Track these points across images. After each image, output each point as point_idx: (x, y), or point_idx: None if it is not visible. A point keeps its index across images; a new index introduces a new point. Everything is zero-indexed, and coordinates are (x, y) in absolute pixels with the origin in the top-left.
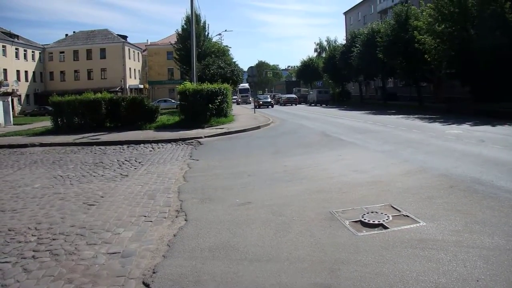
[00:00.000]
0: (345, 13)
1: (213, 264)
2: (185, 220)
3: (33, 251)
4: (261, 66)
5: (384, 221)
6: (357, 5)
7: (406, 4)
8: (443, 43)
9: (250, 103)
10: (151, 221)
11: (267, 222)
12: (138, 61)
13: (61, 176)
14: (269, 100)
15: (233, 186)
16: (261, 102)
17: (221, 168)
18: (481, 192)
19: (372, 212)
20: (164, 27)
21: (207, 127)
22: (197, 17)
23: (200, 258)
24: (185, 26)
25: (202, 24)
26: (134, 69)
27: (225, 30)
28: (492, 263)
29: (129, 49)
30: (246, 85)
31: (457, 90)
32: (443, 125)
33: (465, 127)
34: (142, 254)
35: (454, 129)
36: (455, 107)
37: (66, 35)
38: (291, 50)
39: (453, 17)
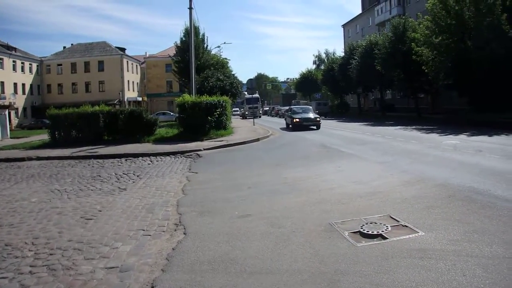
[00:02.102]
0: (343, 26)
1: (212, 277)
2: (184, 233)
3: (30, 266)
4: (260, 79)
5: (383, 231)
6: (355, 17)
7: (403, 17)
8: (440, 54)
9: (260, 116)
10: (149, 235)
11: (266, 234)
12: (137, 73)
13: (59, 190)
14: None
15: (232, 199)
16: (246, 113)
17: (220, 181)
18: (479, 202)
19: (371, 223)
20: (163, 39)
21: (206, 139)
22: (196, 29)
23: (199, 272)
24: (184, 38)
25: (201, 37)
26: (133, 82)
27: (224, 43)
28: (491, 271)
29: (127, 61)
30: (255, 95)
31: (454, 101)
32: (441, 135)
33: (463, 138)
34: (141, 268)
35: (452, 140)
36: (452, 118)
37: (64, 47)
38: (291, 63)
39: (450, 29)
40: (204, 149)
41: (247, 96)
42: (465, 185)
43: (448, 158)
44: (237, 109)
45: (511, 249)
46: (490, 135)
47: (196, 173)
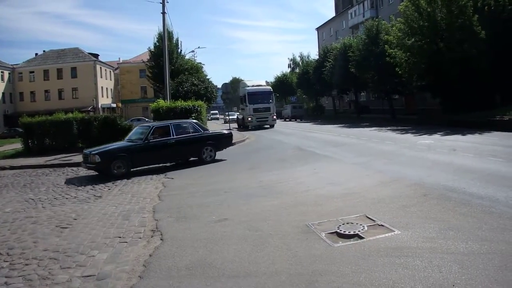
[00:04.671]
0: (317, 29)
1: (190, 282)
2: (161, 239)
3: (6, 277)
4: (236, 83)
5: (359, 231)
6: (329, 20)
7: (376, 19)
8: (413, 56)
9: (273, 124)
10: (126, 242)
11: (244, 238)
12: (110, 79)
13: (33, 199)
14: (235, 116)
15: (209, 204)
16: (229, 119)
17: (197, 186)
18: (454, 199)
19: (347, 223)
20: (136, 45)
21: None
22: (170, 34)
23: (177, 277)
24: (157, 43)
25: (174, 41)
26: (106, 88)
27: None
28: (467, 267)
29: (100, 67)
30: (264, 86)
31: (428, 101)
32: (415, 135)
33: (437, 137)
34: (118, 276)
35: (426, 139)
36: (426, 118)
37: (36, 54)
38: (266, 66)
39: (422, 30)
40: None
41: (250, 88)
42: (439, 183)
43: (422, 157)
44: (234, 113)
45: (486, 245)
46: (463, 134)
47: (172, 178)
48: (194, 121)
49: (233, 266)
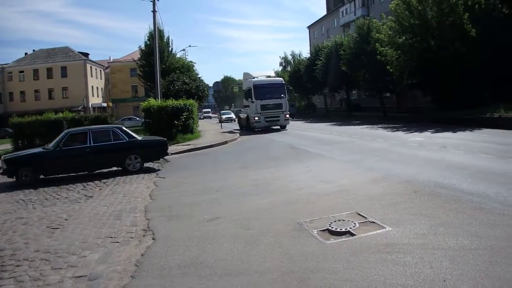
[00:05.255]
0: (309, 27)
1: (182, 281)
2: (153, 239)
3: None
4: (227, 81)
5: (351, 228)
6: (320, 19)
7: (368, 18)
8: (404, 54)
9: (285, 125)
10: (118, 242)
11: (236, 236)
12: (101, 78)
13: (23, 200)
14: (231, 115)
15: (201, 202)
16: (224, 118)
17: (188, 185)
18: (444, 196)
19: (339, 220)
20: (127, 43)
21: (173, 144)
22: (161, 33)
23: (169, 276)
24: (148, 42)
25: (165, 40)
26: (97, 87)
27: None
28: (458, 263)
29: (91, 66)
30: (273, 77)
31: (419, 99)
32: (406, 133)
33: (427, 135)
34: (110, 276)
35: (417, 137)
36: (417, 116)
37: (26, 53)
38: (257, 65)
39: (413, 29)
40: (172, 154)
41: (258, 80)
42: (430, 180)
43: (413, 155)
44: (230, 111)
45: (477, 241)
46: (454, 132)
47: (164, 178)
48: (118, 126)
49: (225, 265)
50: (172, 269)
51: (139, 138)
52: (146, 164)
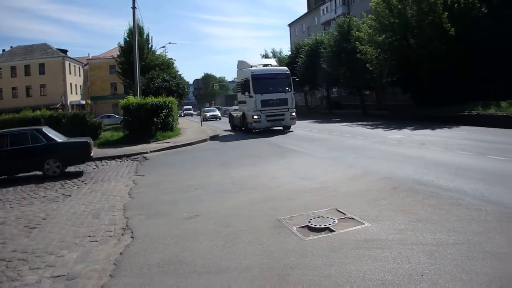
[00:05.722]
0: (290, 25)
1: (161, 280)
2: (132, 237)
3: None
4: (208, 79)
5: (330, 224)
6: (301, 17)
7: (348, 16)
8: (384, 52)
9: (289, 126)
10: (96, 241)
11: (215, 234)
12: (80, 76)
13: (0, 199)
14: (216, 113)
15: (180, 200)
16: (208, 116)
17: (168, 183)
18: (423, 192)
19: (318, 217)
20: (106, 40)
21: (152, 141)
22: (140, 30)
23: (148, 275)
24: (127, 39)
25: (145, 37)
26: (76, 85)
27: (169, 43)
28: (436, 257)
29: (69, 63)
30: (280, 68)
31: (398, 97)
32: (385, 130)
33: (406, 132)
34: (88, 275)
35: (396, 134)
36: (396, 114)
37: (3, 50)
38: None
39: (393, 27)
40: (151, 152)
41: (257, 70)
42: (409, 177)
43: (393, 152)
44: (214, 109)
45: (454, 236)
46: (432, 129)
47: (143, 176)
48: (38, 128)
49: (204, 262)
50: (151, 267)
51: (60, 140)
52: (125, 165)
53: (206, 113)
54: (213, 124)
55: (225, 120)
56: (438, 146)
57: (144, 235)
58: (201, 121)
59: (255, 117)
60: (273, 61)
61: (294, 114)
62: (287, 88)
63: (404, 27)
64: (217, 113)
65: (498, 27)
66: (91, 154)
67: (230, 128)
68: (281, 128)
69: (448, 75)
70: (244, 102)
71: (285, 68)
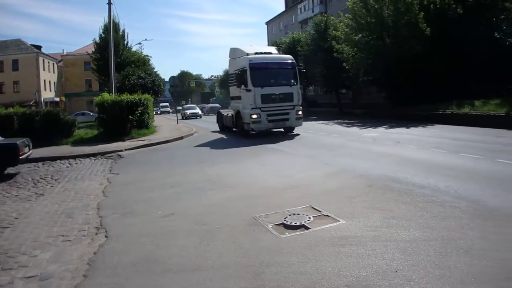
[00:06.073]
0: (267, 23)
1: (136, 279)
2: (106, 236)
3: None
4: (184, 76)
5: (305, 222)
6: (278, 15)
7: (325, 15)
8: (360, 51)
9: (293, 127)
10: (70, 241)
11: (191, 232)
12: (54, 72)
13: None
14: (197, 110)
15: (155, 199)
16: (188, 113)
17: (143, 181)
18: (397, 189)
19: (294, 214)
20: (81, 36)
21: (127, 139)
22: (116, 26)
23: (122, 274)
24: (103, 35)
25: (121, 33)
26: (50, 81)
27: (146, 39)
28: (409, 254)
29: (43, 60)
30: (283, 56)
31: (375, 96)
32: (361, 129)
33: (382, 130)
34: (62, 275)
35: (372, 133)
36: (372, 112)
37: None
38: (215, 60)
39: (369, 27)
40: (126, 150)
41: (257, 58)
42: (384, 174)
43: (368, 150)
44: (195, 106)
45: (428, 232)
46: (407, 127)
47: (118, 174)
48: None
49: (179, 261)
50: (125, 267)
51: None
52: (99, 163)
53: (186, 111)
54: (194, 123)
55: (206, 118)
56: (412, 144)
57: (118, 234)
58: (177, 119)
59: (254, 116)
60: (273, 49)
61: (300, 112)
62: (292, 81)
63: (380, 26)
64: (198, 110)
65: (473, 27)
66: (20, 157)
67: (218, 129)
68: (281, 129)
69: (423, 74)
70: (238, 97)
71: (290, 56)
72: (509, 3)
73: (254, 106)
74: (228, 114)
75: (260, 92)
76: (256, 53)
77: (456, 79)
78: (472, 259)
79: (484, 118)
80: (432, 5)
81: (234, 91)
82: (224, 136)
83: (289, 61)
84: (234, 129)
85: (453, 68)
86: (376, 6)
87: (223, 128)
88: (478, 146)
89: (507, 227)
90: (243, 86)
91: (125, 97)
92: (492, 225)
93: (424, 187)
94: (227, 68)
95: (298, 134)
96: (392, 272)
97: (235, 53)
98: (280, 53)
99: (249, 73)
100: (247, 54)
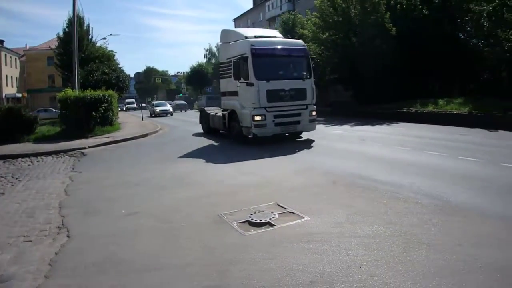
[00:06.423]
0: (234, 20)
1: (99, 279)
2: (68, 236)
3: None
4: (150, 72)
5: (270, 219)
6: (246, 12)
7: (293, 13)
8: (327, 50)
9: (302, 131)
10: (30, 241)
11: (155, 231)
12: (16, 67)
13: None
14: (167, 108)
15: (119, 197)
16: (158, 110)
17: (106, 179)
18: (362, 186)
19: (259, 212)
20: (45, 31)
21: (91, 136)
22: (80, 20)
23: (84, 275)
24: (67, 30)
25: (85, 28)
26: (11, 77)
27: (111, 34)
28: (373, 249)
29: (5, 54)
30: (294, 41)
31: (342, 94)
32: (327, 126)
33: (347, 128)
34: (23, 277)
35: (338, 130)
36: (339, 110)
37: None
38: (183, 56)
39: (336, 25)
40: (89, 147)
41: (262, 42)
42: (349, 171)
43: (334, 147)
44: (165, 103)
45: (391, 228)
46: (372, 125)
47: (80, 172)
48: None
49: (143, 260)
50: (88, 267)
51: None
52: (61, 161)
53: (156, 108)
54: (163, 121)
55: (177, 116)
56: (377, 141)
57: (80, 233)
58: (142, 116)
59: (258, 118)
60: (277, 33)
61: (314, 113)
62: (305, 73)
63: (347, 25)
64: (169, 107)
65: (437, 28)
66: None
67: (202, 131)
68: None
69: (388, 73)
70: (233, 93)
71: (301, 42)
72: (473, 5)
73: (258, 105)
74: (217, 113)
75: (266, 87)
76: (256, 37)
77: (420, 78)
78: (435, 253)
79: (448, 116)
80: (398, 5)
81: (227, 84)
82: (214, 142)
83: (301, 47)
84: (221, 131)
85: (417, 68)
86: (344, 6)
87: (209, 130)
88: (442, 144)
89: (469, 222)
90: (242, 79)
91: (89, 93)
92: (454, 220)
93: (388, 184)
94: (194, 65)
95: (313, 141)
96: (356, 268)
97: (228, 36)
98: (283, 38)
99: (252, 61)
100: (250, 37)
